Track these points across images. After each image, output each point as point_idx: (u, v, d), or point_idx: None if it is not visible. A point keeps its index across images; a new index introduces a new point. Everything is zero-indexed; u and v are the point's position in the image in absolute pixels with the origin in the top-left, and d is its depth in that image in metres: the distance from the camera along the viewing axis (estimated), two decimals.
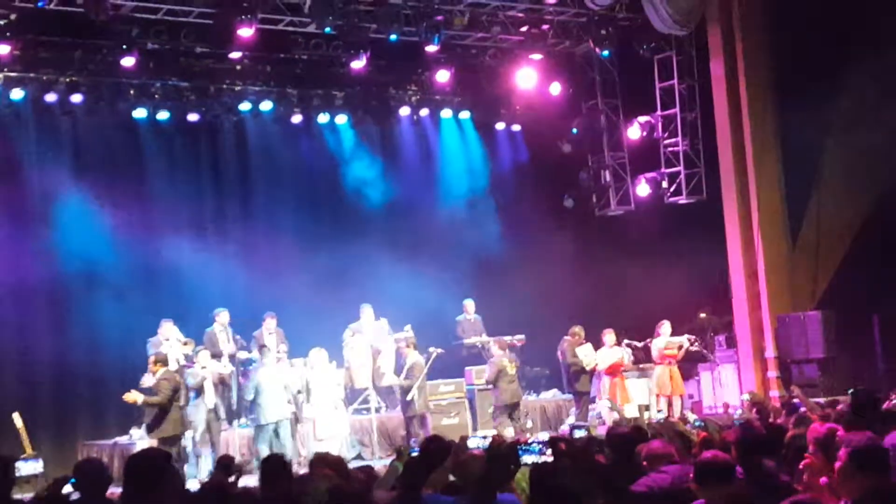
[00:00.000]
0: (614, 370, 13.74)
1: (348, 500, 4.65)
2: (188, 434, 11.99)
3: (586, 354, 14.04)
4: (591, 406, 14.36)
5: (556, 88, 16.32)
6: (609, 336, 13.85)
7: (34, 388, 13.53)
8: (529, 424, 14.10)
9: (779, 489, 5.07)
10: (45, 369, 13.73)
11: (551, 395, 15.69)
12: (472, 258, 16.26)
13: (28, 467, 7.18)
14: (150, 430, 11.32)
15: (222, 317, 13.79)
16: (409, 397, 13.03)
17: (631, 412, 13.38)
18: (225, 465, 7.49)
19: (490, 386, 13.55)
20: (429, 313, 14.87)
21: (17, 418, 11.15)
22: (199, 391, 12.17)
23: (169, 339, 13.24)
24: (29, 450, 10.73)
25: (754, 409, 9.18)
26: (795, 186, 14.50)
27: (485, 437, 7.92)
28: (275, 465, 5.81)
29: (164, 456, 4.64)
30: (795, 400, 9.18)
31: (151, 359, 11.79)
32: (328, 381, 12.89)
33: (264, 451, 11.36)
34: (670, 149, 16.08)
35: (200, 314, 13.89)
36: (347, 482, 5.19)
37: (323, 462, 5.81)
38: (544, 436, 10.13)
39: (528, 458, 5.34)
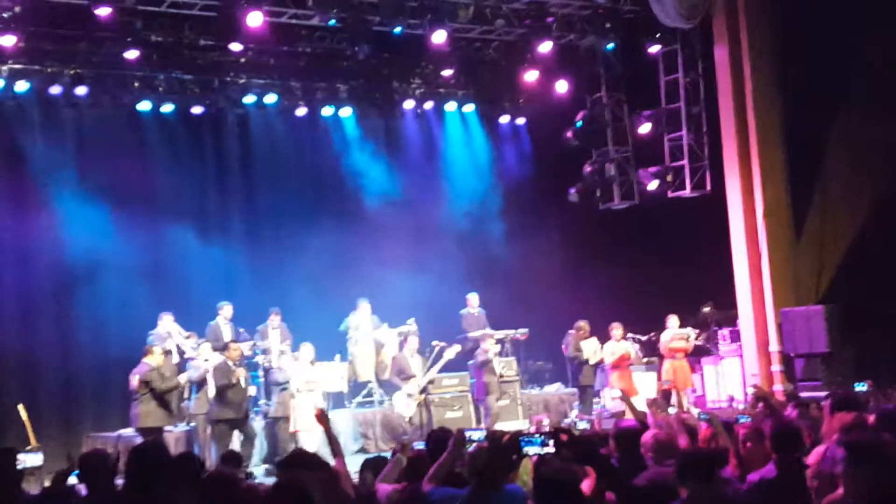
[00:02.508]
0: (621, 363, 13.71)
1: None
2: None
3: (591, 348, 14.03)
4: (595, 399, 14.36)
5: (562, 86, 16.22)
6: (617, 330, 13.83)
7: (38, 380, 13.57)
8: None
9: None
10: (50, 362, 13.76)
11: (555, 389, 15.70)
12: (475, 251, 16.26)
13: (29, 459, 7.18)
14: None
15: (226, 310, 13.79)
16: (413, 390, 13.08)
17: (638, 406, 13.34)
18: (233, 459, 7.49)
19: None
20: (432, 307, 14.87)
21: (21, 410, 11.16)
22: (201, 384, 12.21)
23: (171, 333, 13.27)
24: (34, 442, 10.73)
25: (759, 404, 9.11)
26: (800, 179, 14.41)
27: (482, 430, 7.86)
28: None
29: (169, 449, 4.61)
30: (802, 394, 9.14)
31: (158, 349, 11.88)
32: (312, 375, 12.80)
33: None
34: (674, 143, 16.03)
35: (203, 306, 13.90)
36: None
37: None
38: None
39: (530, 450, 5.31)
